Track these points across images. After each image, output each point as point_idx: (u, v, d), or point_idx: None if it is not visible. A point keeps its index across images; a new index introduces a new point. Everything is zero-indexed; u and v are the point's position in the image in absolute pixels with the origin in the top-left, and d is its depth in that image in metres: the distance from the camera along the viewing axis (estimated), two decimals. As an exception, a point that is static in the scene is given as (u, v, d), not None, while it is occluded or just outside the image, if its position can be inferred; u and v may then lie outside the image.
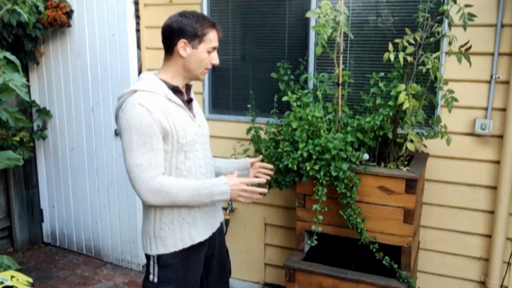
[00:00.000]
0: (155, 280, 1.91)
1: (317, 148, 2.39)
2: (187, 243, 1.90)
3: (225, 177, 1.85)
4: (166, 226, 1.88)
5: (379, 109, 2.48)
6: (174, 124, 1.80)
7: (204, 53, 1.85)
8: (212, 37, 1.86)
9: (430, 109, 2.76)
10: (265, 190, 1.87)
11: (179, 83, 1.89)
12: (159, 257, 1.90)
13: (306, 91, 2.71)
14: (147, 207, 1.90)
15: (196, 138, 1.89)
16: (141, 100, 1.75)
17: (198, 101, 2.99)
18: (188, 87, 1.97)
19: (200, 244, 1.94)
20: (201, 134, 1.94)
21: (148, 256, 1.93)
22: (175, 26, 1.82)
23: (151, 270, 1.92)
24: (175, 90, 1.87)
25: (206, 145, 1.99)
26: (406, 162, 2.52)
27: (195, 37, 1.83)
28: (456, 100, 2.40)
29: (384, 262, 2.40)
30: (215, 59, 1.90)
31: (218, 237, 2.10)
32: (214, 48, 1.88)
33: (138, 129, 1.72)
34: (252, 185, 1.85)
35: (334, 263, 2.54)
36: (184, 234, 1.90)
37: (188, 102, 1.94)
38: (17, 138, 3.48)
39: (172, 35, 1.83)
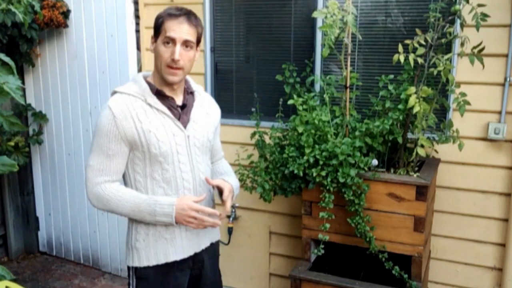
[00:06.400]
0: None
1: (324, 154, 2.36)
2: (161, 260, 1.80)
3: (177, 198, 1.73)
4: (142, 237, 1.80)
5: (389, 113, 2.48)
6: (144, 132, 1.71)
7: (160, 45, 1.69)
8: (167, 27, 1.66)
9: (442, 113, 2.73)
10: (218, 222, 1.74)
11: (163, 86, 1.77)
12: (135, 269, 1.83)
13: (312, 94, 2.69)
14: None
15: (180, 149, 1.76)
16: (112, 103, 1.71)
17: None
18: (187, 91, 1.85)
19: (181, 261, 1.83)
20: (192, 145, 1.80)
21: (128, 267, 1.86)
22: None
23: (130, 281, 1.86)
24: (159, 93, 1.76)
25: (200, 157, 1.84)
26: (416, 168, 2.50)
27: (155, 29, 1.72)
28: (468, 103, 2.37)
29: (393, 272, 2.37)
30: (174, 53, 1.65)
31: (210, 260, 1.96)
32: (171, 39, 1.66)
33: (99, 131, 1.72)
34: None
35: (341, 273, 2.51)
36: (159, 250, 1.80)
37: (182, 107, 1.81)
38: (12, 143, 3.44)
39: None
